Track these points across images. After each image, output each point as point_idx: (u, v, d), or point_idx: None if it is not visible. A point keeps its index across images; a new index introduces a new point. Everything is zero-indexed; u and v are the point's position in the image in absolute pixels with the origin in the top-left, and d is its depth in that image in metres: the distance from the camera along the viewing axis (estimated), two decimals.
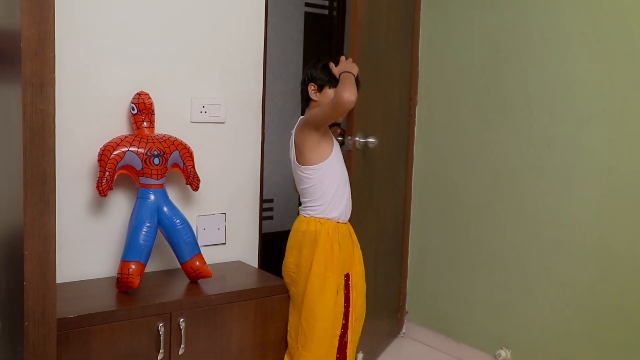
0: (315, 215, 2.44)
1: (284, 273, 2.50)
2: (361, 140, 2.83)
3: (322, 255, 2.40)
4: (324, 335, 2.38)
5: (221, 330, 2.29)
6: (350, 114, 2.71)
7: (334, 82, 2.40)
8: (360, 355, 2.98)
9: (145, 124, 2.36)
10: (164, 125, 2.47)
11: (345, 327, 2.46)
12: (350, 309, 2.48)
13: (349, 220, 2.54)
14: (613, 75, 2.64)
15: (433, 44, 3.43)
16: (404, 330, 3.62)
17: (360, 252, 2.58)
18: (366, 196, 3.07)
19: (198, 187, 2.45)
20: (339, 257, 2.42)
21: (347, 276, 2.46)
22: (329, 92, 2.41)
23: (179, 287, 2.38)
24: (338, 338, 2.43)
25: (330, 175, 2.43)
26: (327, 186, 2.42)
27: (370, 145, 2.87)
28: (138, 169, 2.27)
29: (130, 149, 2.25)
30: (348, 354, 2.47)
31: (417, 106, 3.52)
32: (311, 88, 2.44)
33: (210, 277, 2.40)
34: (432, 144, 3.46)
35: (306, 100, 2.49)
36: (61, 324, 1.83)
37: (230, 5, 2.64)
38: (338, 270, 2.41)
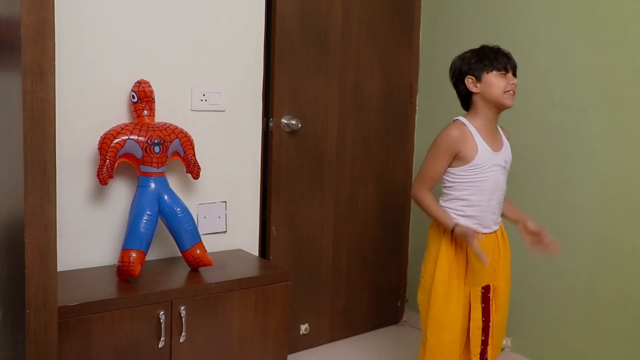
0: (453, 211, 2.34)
1: None
2: (285, 122, 2.95)
3: (445, 259, 2.32)
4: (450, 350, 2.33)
5: (222, 318, 2.29)
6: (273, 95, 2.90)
7: (489, 66, 2.27)
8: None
9: (145, 112, 2.35)
10: (164, 113, 2.46)
11: (485, 343, 2.37)
12: (490, 323, 2.37)
13: (500, 229, 2.41)
14: (614, 64, 2.63)
15: (433, 31, 3.42)
16: (404, 318, 3.63)
17: (509, 264, 2.44)
18: (318, 180, 3.06)
19: (199, 176, 2.45)
20: (472, 266, 2.30)
21: (485, 288, 2.35)
22: (489, 76, 2.26)
23: (180, 275, 2.38)
24: (479, 356, 2.36)
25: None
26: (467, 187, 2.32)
27: (293, 127, 2.95)
28: (138, 157, 2.27)
29: (131, 137, 2.25)
30: None
31: (417, 94, 3.51)
32: (469, 81, 2.30)
33: (211, 265, 2.41)
34: (432, 131, 3.43)
35: (464, 96, 2.37)
36: (62, 311, 1.84)
37: None
38: (469, 281, 2.31)
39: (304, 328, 3.15)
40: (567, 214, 2.80)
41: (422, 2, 3.47)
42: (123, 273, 2.22)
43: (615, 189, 2.64)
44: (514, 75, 2.30)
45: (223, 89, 2.65)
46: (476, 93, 2.30)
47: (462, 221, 2.29)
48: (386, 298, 3.53)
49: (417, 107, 3.52)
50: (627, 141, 2.59)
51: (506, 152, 2.35)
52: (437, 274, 2.31)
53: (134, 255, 2.22)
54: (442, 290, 2.32)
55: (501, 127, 2.41)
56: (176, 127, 2.39)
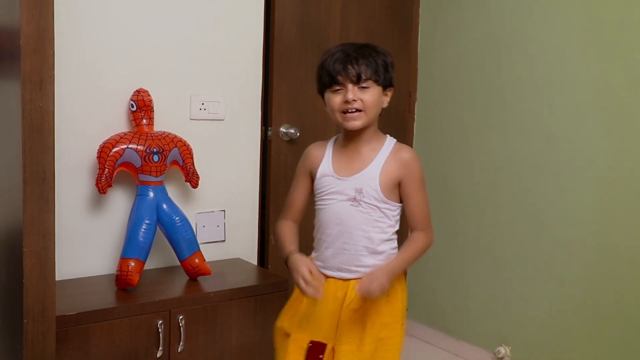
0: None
1: None
2: (283, 130, 2.96)
3: (290, 304, 1.98)
4: None
5: (220, 327, 2.29)
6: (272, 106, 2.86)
7: (320, 83, 1.85)
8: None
9: (144, 121, 2.35)
10: (163, 122, 2.46)
11: None
12: None
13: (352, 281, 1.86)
14: (612, 71, 2.63)
15: (432, 40, 3.42)
16: None
17: (378, 331, 1.84)
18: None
19: (197, 184, 2.45)
20: (305, 309, 1.90)
21: (315, 345, 1.86)
22: (325, 95, 1.85)
23: (178, 284, 2.38)
24: None
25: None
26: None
27: (292, 136, 2.97)
28: (137, 166, 2.27)
29: (130, 146, 2.25)
30: None
31: (416, 103, 3.51)
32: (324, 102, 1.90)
33: (210, 274, 2.40)
34: (431, 140, 3.45)
35: None
36: (60, 321, 1.83)
37: (229, 2, 2.64)
38: (303, 330, 1.89)
39: None
40: (566, 221, 2.80)
41: (420, 11, 3.48)
42: (121, 282, 2.22)
43: (614, 196, 2.64)
44: (364, 82, 1.78)
45: (222, 97, 2.65)
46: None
47: (313, 254, 1.92)
48: None
49: (415, 116, 3.52)
50: (625, 148, 2.60)
51: (364, 180, 1.81)
52: (289, 301, 1.97)
53: (133, 264, 2.21)
54: (279, 339, 1.96)
55: (398, 145, 1.91)
56: (175, 136, 2.39)
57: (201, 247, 2.42)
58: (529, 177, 2.94)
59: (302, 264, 1.79)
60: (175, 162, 2.39)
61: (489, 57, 3.11)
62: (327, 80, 1.80)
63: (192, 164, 2.43)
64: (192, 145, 2.44)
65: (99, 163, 2.22)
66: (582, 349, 2.76)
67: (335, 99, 1.80)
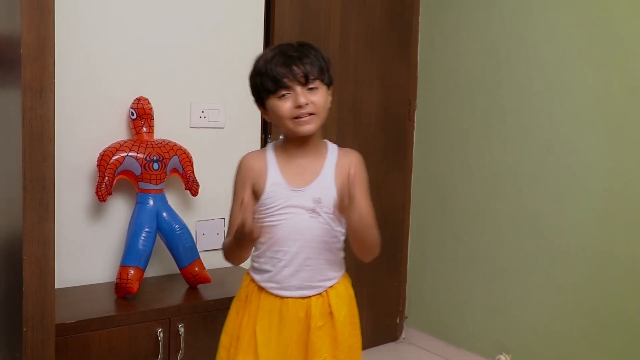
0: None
1: None
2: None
3: (233, 320, 1.80)
4: None
5: (220, 335, 2.28)
6: None
7: (262, 90, 1.68)
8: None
9: (144, 129, 2.35)
10: (163, 130, 2.46)
11: None
12: None
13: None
14: (611, 79, 2.64)
15: (432, 47, 3.43)
16: (403, 335, 3.61)
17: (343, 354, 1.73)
18: None
19: (197, 192, 2.45)
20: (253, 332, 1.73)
21: None
22: (269, 103, 1.68)
23: (178, 292, 2.37)
24: None
25: None
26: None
27: None
28: (137, 174, 2.27)
29: (130, 154, 2.25)
30: None
31: (416, 111, 3.52)
32: (260, 110, 1.77)
33: (210, 282, 2.40)
34: (431, 148, 3.46)
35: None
36: (60, 329, 1.82)
37: (229, 10, 2.65)
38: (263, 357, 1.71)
39: None
40: (566, 229, 2.80)
41: (420, 19, 3.49)
42: (121, 290, 2.21)
43: (613, 204, 2.64)
44: (312, 83, 1.64)
45: (222, 105, 2.65)
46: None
47: (256, 277, 1.76)
48: (385, 315, 3.52)
49: (415, 124, 3.53)
50: (625, 157, 2.60)
51: (321, 189, 1.69)
52: (222, 338, 1.80)
53: (132, 272, 2.21)
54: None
55: (342, 149, 1.79)
56: (175, 144, 2.39)
57: (201, 255, 2.42)
58: (529, 185, 2.94)
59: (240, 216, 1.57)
60: (175, 170, 2.39)
61: (489, 65, 3.12)
62: (272, 86, 1.63)
63: (192, 171, 2.43)
64: (192, 153, 2.44)
65: (99, 171, 2.22)
66: (582, 357, 2.75)
67: (284, 106, 1.64)
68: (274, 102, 1.65)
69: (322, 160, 1.74)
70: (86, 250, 2.38)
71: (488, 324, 3.16)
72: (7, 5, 1.58)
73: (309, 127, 1.66)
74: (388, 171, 3.44)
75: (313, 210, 1.68)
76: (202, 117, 2.60)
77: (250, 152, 1.80)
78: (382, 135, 3.39)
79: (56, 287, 1.64)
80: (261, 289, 1.73)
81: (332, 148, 1.78)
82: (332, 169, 1.72)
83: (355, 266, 3.30)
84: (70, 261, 2.33)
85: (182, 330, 2.17)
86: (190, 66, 2.57)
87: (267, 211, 1.69)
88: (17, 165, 1.50)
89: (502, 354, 3.08)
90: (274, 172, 1.71)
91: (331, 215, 1.70)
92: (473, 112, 3.20)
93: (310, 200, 1.68)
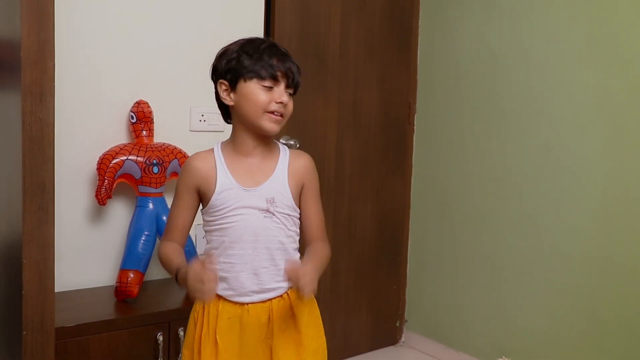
0: None
1: None
2: (283, 142, 2.87)
3: (192, 332, 1.70)
4: None
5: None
6: None
7: (247, 70, 1.61)
8: None
9: (144, 132, 2.36)
10: (163, 133, 2.47)
11: None
12: None
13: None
14: (611, 82, 2.64)
15: (432, 51, 3.43)
16: (403, 339, 3.61)
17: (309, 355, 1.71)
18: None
19: None
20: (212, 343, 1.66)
21: None
22: (246, 85, 1.62)
23: (178, 296, 2.37)
24: None
25: None
26: None
27: (291, 147, 2.89)
28: (137, 178, 2.27)
29: (129, 157, 2.25)
30: None
31: (415, 114, 3.52)
32: (222, 88, 1.69)
33: None
34: (430, 151, 3.46)
35: (223, 109, 1.75)
36: (59, 333, 1.83)
37: (229, 14, 2.65)
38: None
39: None
40: (566, 233, 2.80)
41: (419, 23, 3.49)
42: (121, 294, 2.21)
43: (613, 207, 2.64)
44: (291, 88, 1.64)
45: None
46: (230, 105, 1.68)
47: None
48: (385, 318, 3.51)
49: (415, 127, 3.53)
50: (625, 160, 2.60)
51: (274, 189, 1.65)
52: (184, 352, 1.71)
53: (132, 275, 2.21)
54: None
55: (293, 150, 1.76)
56: (175, 148, 2.39)
57: (200, 258, 2.42)
58: (528, 188, 2.94)
59: (193, 266, 1.50)
60: (175, 174, 2.39)
61: (489, 68, 3.12)
62: (264, 74, 1.59)
63: None
64: None
65: (99, 174, 2.22)
66: None
67: (263, 95, 1.59)
68: (254, 88, 1.60)
69: (274, 160, 1.69)
70: (86, 253, 2.38)
71: (488, 327, 3.16)
72: (7, 9, 1.58)
73: (274, 126, 1.63)
74: (388, 174, 3.44)
75: (267, 210, 1.64)
76: (202, 121, 2.61)
77: (196, 154, 1.72)
78: (381, 138, 3.39)
79: (56, 290, 1.64)
80: (218, 297, 1.64)
81: (282, 148, 1.74)
82: (285, 168, 1.69)
83: (356, 269, 3.32)
84: (70, 265, 2.33)
85: (182, 334, 2.17)
86: (190, 70, 2.57)
87: (218, 213, 1.63)
88: (17, 169, 1.50)
89: (501, 357, 3.08)
90: (223, 173, 1.65)
91: (285, 215, 1.66)
92: (473, 115, 3.20)
93: (263, 200, 1.63)
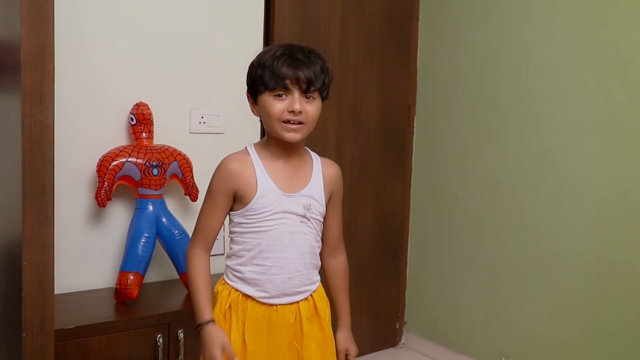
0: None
1: None
2: None
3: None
4: None
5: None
6: None
7: (260, 83, 1.61)
8: None
9: (144, 134, 2.36)
10: (162, 135, 2.47)
11: None
12: None
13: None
14: (611, 85, 2.64)
15: (432, 53, 3.44)
16: (402, 341, 3.61)
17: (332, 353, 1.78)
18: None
19: (197, 198, 2.45)
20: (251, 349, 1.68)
21: None
22: (262, 98, 1.63)
23: (178, 297, 2.37)
24: None
25: None
26: None
27: None
28: (137, 180, 2.27)
29: (129, 159, 2.25)
30: None
31: (415, 116, 3.52)
32: (250, 101, 1.71)
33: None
34: (430, 153, 3.46)
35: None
36: (59, 335, 1.83)
37: (229, 16, 2.65)
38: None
39: None
40: (566, 235, 2.80)
41: (420, 25, 3.49)
42: (121, 296, 2.21)
43: (613, 210, 2.64)
44: (311, 92, 1.61)
45: (222, 111, 2.65)
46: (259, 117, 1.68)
47: (240, 286, 1.68)
48: (384, 320, 3.51)
49: (414, 130, 3.53)
50: (625, 162, 2.60)
51: (311, 196, 1.69)
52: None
53: (132, 277, 2.21)
54: None
55: (324, 159, 1.78)
56: (174, 150, 2.39)
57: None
58: (528, 191, 2.94)
59: (216, 345, 1.57)
60: (174, 176, 2.39)
61: (488, 71, 3.12)
62: (272, 83, 1.58)
63: (192, 177, 2.43)
64: (191, 159, 2.45)
65: (99, 176, 2.22)
66: None
67: (277, 106, 1.59)
68: (268, 99, 1.61)
69: (309, 166, 1.73)
70: (85, 255, 2.38)
71: (487, 329, 3.16)
72: (7, 11, 1.59)
73: (294, 135, 1.62)
74: (387, 177, 3.44)
75: (304, 216, 1.67)
76: (202, 123, 2.61)
77: (231, 155, 1.70)
78: (381, 141, 3.39)
79: (55, 292, 1.64)
80: (246, 297, 1.67)
81: (314, 156, 1.77)
82: (320, 176, 1.72)
83: (355, 271, 3.32)
84: (69, 267, 2.33)
85: (181, 335, 2.17)
86: (190, 71, 2.57)
87: (257, 217, 1.65)
88: (17, 171, 1.50)
89: (501, 359, 3.08)
90: (263, 176, 1.65)
91: (317, 221, 1.72)
92: (473, 117, 3.21)
93: (301, 206, 1.67)
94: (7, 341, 1.69)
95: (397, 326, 3.59)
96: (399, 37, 3.41)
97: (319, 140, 3.10)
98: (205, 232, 1.70)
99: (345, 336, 1.82)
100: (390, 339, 3.56)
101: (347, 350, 1.81)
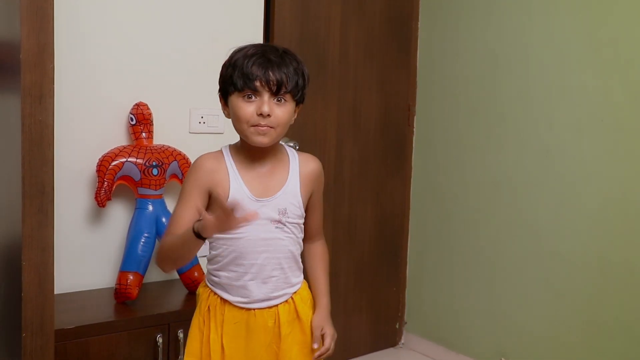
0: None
1: None
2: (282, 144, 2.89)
3: (196, 337, 1.70)
4: None
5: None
6: None
7: (229, 83, 1.56)
8: None
9: (144, 134, 2.36)
10: (162, 135, 2.47)
11: None
12: None
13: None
14: (610, 85, 2.64)
15: (431, 54, 3.44)
16: (402, 340, 3.61)
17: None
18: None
19: None
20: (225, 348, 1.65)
21: None
22: (231, 99, 1.58)
23: (177, 298, 2.37)
24: None
25: None
26: None
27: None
28: (136, 180, 2.27)
29: (129, 159, 2.25)
30: None
31: (415, 117, 3.52)
32: (222, 103, 1.65)
33: None
34: (430, 153, 3.46)
35: None
36: (59, 334, 1.83)
37: (229, 16, 2.65)
38: None
39: None
40: (565, 236, 2.80)
41: (419, 25, 3.49)
42: (120, 296, 2.21)
43: (613, 210, 2.64)
44: (281, 95, 1.55)
45: (221, 111, 2.65)
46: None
47: (218, 290, 1.66)
48: (384, 320, 3.51)
49: (414, 130, 3.53)
50: (624, 163, 2.60)
51: (287, 199, 1.63)
52: (186, 356, 1.68)
53: (132, 277, 2.21)
54: None
55: (302, 155, 1.73)
56: (174, 150, 2.40)
57: (200, 260, 2.42)
58: (528, 191, 2.94)
59: (209, 212, 1.43)
60: (174, 176, 2.39)
61: (488, 71, 3.12)
62: (240, 84, 1.52)
63: None
64: (191, 159, 2.44)
65: (98, 176, 2.22)
66: None
67: (246, 108, 1.53)
68: (237, 101, 1.55)
69: (285, 168, 1.66)
70: (85, 255, 2.38)
71: (487, 329, 3.16)
72: (7, 11, 1.59)
73: (263, 139, 1.55)
74: (387, 177, 3.44)
75: (279, 222, 1.61)
76: (202, 123, 2.61)
77: (207, 155, 1.65)
78: (381, 141, 3.39)
79: (55, 292, 1.64)
80: (224, 301, 1.65)
81: (291, 153, 1.70)
82: (296, 176, 1.66)
83: (355, 271, 3.32)
84: (69, 267, 2.33)
85: (181, 335, 2.17)
86: (190, 72, 2.57)
87: None
88: (17, 171, 1.51)
89: (501, 359, 3.08)
90: (235, 181, 1.59)
91: (295, 224, 1.66)
92: (472, 118, 3.21)
93: (275, 211, 1.61)
94: (7, 341, 1.69)
95: (397, 326, 3.59)
96: (399, 37, 3.41)
97: (319, 140, 3.10)
98: (176, 224, 1.58)
99: (322, 317, 1.70)
100: (390, 339, 3.56)
101: (322, 329, 1.69)
